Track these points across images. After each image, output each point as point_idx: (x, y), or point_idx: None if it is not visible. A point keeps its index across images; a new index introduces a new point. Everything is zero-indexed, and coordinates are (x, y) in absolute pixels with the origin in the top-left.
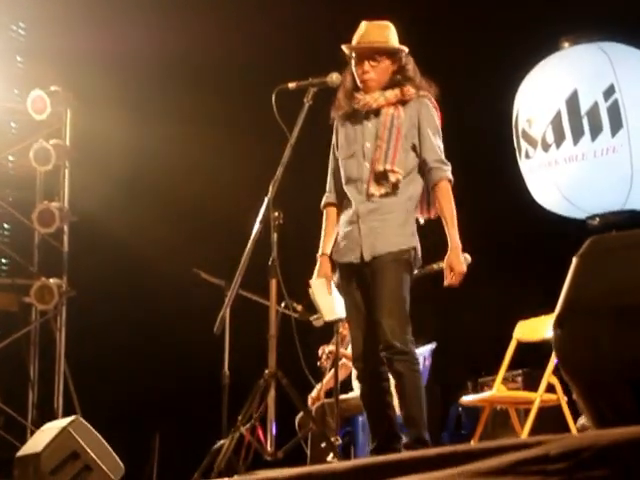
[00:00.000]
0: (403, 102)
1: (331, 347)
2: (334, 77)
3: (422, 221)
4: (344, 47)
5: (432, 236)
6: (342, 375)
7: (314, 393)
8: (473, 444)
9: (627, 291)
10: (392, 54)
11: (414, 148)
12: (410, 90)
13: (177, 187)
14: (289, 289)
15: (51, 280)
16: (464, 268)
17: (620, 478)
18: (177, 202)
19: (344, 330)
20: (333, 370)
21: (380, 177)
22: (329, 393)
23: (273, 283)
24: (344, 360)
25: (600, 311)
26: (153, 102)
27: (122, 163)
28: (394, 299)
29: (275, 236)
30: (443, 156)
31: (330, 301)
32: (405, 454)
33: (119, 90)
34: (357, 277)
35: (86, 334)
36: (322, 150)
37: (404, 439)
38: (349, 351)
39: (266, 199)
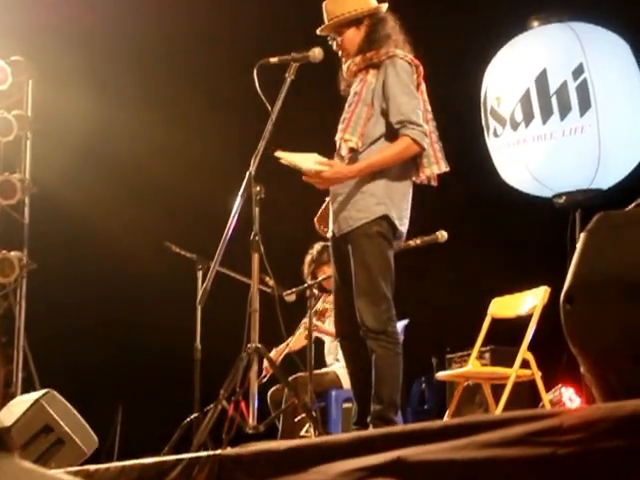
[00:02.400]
0: (374, 66)
1: (318, 322)
2: (316, 52)
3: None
4: (318, 32)
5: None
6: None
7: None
8: (484, 416)
9: (635, 267)
10: (353, 21)
11: (384, 112)
12: (377, 53)
13: (142, 160)
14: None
15: (12, 253)
16: (335, 175)
17: (632, 450)
18: (142, 175)
19: (326, 304)
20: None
21: (340, 148)
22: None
23: (255, 258)
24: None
25: (608, 286)
26: (118, 76)
27: (85, 135)
28: (367, 277)
29: (257, 210)
30: (412, 115)
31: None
32: (409, 426)
33: (84, 63)
34: (337, 251)
35: (47, 308)
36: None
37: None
38: (327, 326)
39: (247, 173)
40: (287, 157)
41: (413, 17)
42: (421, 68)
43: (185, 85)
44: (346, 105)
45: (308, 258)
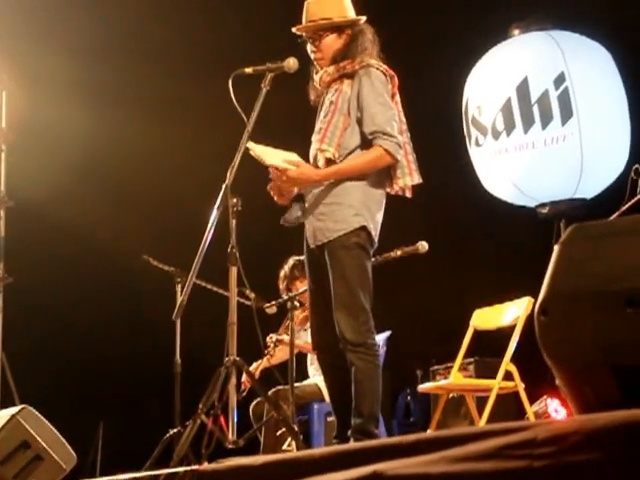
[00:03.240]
0: (348, 75)
1: (284, 336)
2: (291, 62)
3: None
4: (294, 30)
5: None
6: (279, 358)
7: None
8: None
9: (608, 277)
10: (335, 28)
11: (359, 123)
12: (352, 62)
13: (121, 171)
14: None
15: None
16: (300, 177)
17: (607, 462)
18: (121, 186)
19: (300, 314)
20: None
21: (316, 159)
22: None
23: (233, 270)
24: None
25: (583, 298)
26: (96, 84)
27: (62, 147)
28: (346, 290)
29: (234, 223)
30: (386, 126)
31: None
32: (385, 440)
33: (60, 72)
34: (313, 263)
35: (25, 322)
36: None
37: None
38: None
39: (224, 185)
40: (256, 149)
41: (394, 27)
42: (396, 79)
43: (166, 95)
44: (321, 115)
45: (281, 273)
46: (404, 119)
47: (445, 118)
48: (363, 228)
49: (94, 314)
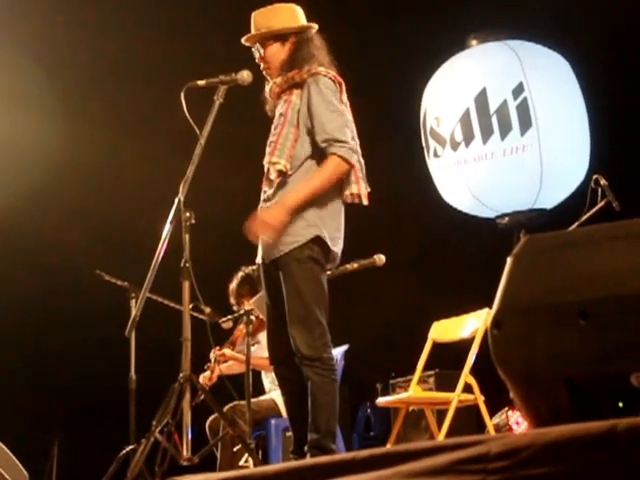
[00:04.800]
0: (297, 85)
1: (226, 350)
2: (245, 75)
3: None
4: (243, 41)
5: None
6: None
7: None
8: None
9: (561, 289)
10: (278, 37)
11: (309, 132)
12: (300, 72)
13: (72, 186)
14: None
15: None
16: (273, 223)
17: (560, 476)
18: (73, 201)
19: (236, 331)
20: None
21: (268, 172)
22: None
23: (186, 285)
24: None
25: (536, 310)
26: (46, 100)
27: (12, 162)
28: (300, 304)
29: (187, 237)
30: (338, 133)
31: None
32: (339, 456)
33: (9, 88)
34: (268, 278)
35: None
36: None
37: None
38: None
39: (177, 199)
40: None
41: (350, 38)
42: (344, 85)
43: (117, 110)
44: (272, 127)
45: (230, 287)
46: (352, 127)
47: (403, 129)
48: (317, 239)
49: (47, 331)
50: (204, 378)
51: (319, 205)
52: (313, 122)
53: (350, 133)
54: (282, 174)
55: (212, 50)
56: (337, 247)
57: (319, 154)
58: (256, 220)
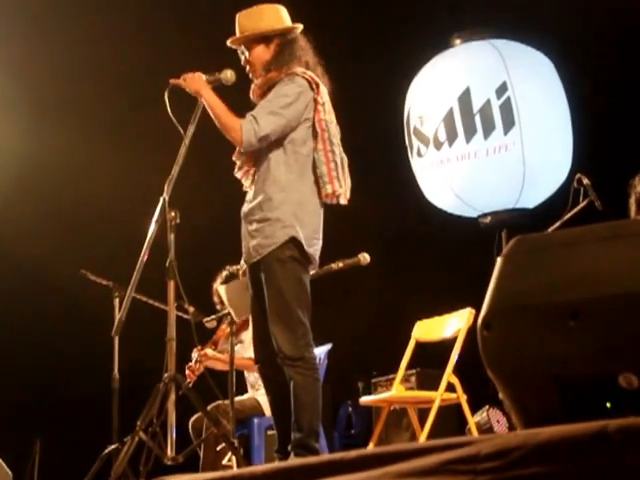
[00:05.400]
0: (275, 86)
1: (208, 350)
2: (228, 74)
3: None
4: (228, 43)
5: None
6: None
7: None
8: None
9: (551, 290)
10: (263, 38)
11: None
12: (279, 73)
13: (56, 186)
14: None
15: None
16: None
17: (549, 477)
18: (57, 201)
19: (227, 328)
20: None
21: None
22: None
23: (171, 285)
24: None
25: (526, 311)
26: (28, 99)
27: None
28: (281, 303)
29: (172, 237)
30: (262, 117)
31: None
32: (327, 456)
33: None
34: (253, 279)
35: None
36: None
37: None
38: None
39: (162, 199)
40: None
41: (334, 37)
42: (322, 87)
43: (104, 108)
44: None
45: (214, 286)
46: (326, 127)
47: (386, 129)
48: (292, 240)
49: (31, 330)
50: (189, 369)
51: (297, 208)
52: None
53: (272, 127)
54: (252, 173)
55: (191, 49)
56: (313, 248)
57: (292, 151)
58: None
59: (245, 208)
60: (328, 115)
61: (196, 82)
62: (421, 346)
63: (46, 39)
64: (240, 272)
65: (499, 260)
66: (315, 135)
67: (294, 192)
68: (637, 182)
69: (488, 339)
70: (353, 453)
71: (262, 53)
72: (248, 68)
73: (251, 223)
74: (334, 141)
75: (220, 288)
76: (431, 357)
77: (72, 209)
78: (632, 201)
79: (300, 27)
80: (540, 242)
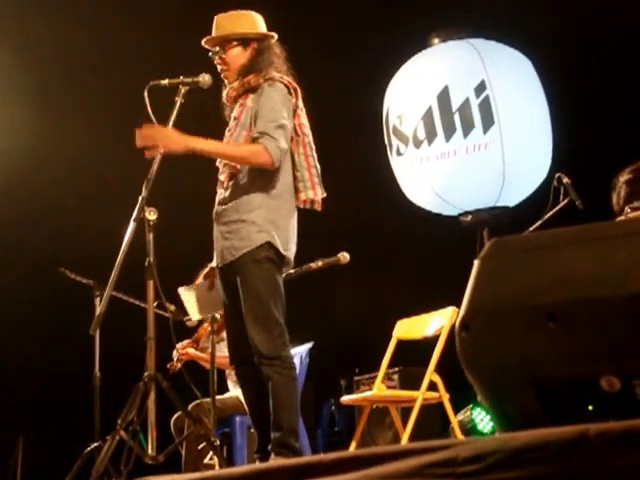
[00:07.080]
0: (253, 90)
1: (189, 349)
2: (206, 78)
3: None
4: (203, 43)
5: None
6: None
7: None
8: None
9: (530, 292)
10: (241, 40)
11: None
12: (256, 77)
13: (35, 183)
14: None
15: None
16: (167, 143)
17: None
18: (36, 198)
19: (200, 329)
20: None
21: (220, 173)
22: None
23: (150, 284)
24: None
25: (504, 313)
26: (17, 95)
27: None
28: (257, 303)
29: (150, 236)
30: (272, 130)
31: (194, 302)
32: (305, 458)
33: None
34: (224, 280)
35: None
36: None
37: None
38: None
39: (140, 198)
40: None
41: (313, 36)
42: (299, 92)
43: (81, 104)
44: (226, 131)
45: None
46: (307, 132)
47: (365, 128)
48: (268, 243)
49: (11, 328)
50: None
51: (271, 211)
52: (257, 120)
53: (285, 140)
54: (233, 176)
55: (185, 46)
56: (289, 252)
57: None
58: (154, 130)
59: (218, 209)
60: (305, 120)
61: (175, 141)
62: (405, 344)
63: (52, 35)
64: (201, 274)
65: (476, 262)
66: (296, 139)
67: (270, 195)
68: (619, 178)
69: (466, 341)
70: (331, 455)
71: (238, 55)
72: (222, 68)
73: (225, 224)
74: (313, 147)
75: (180, 290)
76: (413, 355)
77: (53, 207)
78: (615, 195)
79: (275, 36)
80: (517, 244)
